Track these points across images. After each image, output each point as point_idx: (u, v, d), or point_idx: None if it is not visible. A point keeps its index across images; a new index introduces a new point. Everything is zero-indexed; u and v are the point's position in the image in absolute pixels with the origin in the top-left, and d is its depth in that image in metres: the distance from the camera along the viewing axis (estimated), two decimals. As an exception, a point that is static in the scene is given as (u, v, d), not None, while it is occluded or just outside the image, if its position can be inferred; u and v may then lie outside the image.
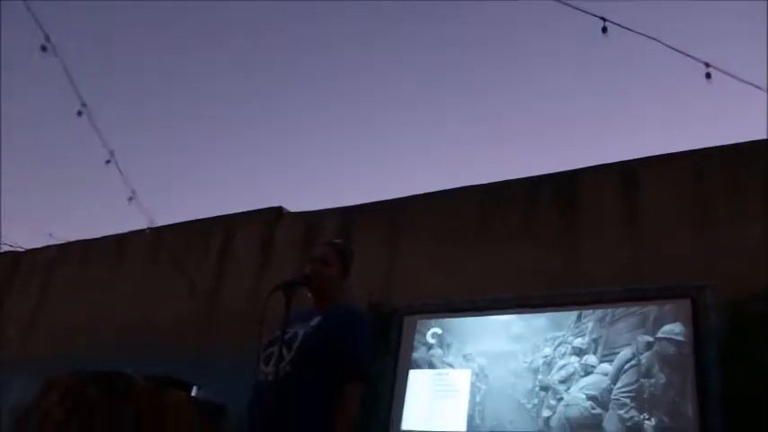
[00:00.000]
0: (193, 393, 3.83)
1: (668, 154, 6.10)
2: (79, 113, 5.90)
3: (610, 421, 5.24)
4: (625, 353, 5.41)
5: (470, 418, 5.83)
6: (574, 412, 5.48)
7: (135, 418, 2.28)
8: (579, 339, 5.72)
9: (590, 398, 5.44)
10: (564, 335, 5.81)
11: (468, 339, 6.14)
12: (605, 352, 5.56)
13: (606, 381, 5.41)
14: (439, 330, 6.24)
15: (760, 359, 4.61)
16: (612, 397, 5.32)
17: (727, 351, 4.76)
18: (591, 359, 5.63)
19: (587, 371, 5.60)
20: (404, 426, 5.89)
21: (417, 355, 6.23)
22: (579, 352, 5.72)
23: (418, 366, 6.16)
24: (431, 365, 6.15)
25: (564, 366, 5.74)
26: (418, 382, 6.08)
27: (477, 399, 5.94)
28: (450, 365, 6.08)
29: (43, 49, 5.41)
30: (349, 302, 2.71)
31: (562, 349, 5.80)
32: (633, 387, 5.21)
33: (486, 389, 5.93)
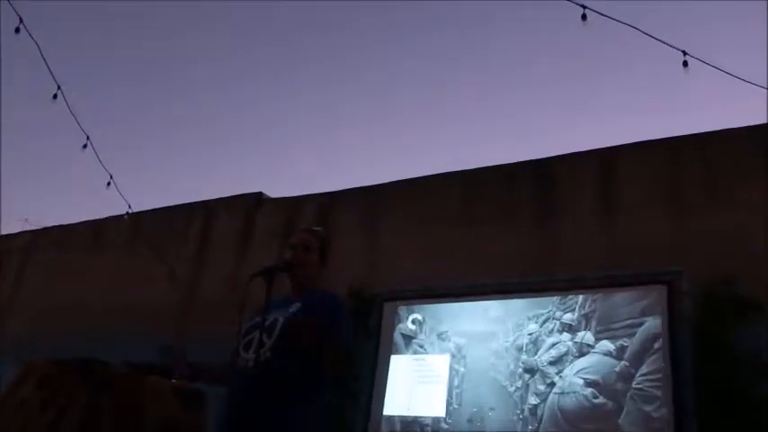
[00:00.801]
0: (173, 380, 3.81)
1: (645, 141, 6.16)
2: (54, 97, 5.79)
3: (628, 418, 4.65)
4: (649, 325, 4.84)
5: (448, 404, 5.60)
6: (569, 402, 4.93)
7: (114, 404, 2.27)
8: (568, 315, 5.32)
9: (590, 384, 4.93)
10: (550, 311, 5.47)
11: (444, 320, 6.08)
12: (600, 328, 5.12)
13: (612, 363, 4.90)
14: (419, 316, 6.25)
15: (732, 342, 4.71)
16: (634, 386, 4.72)
17: (700, 335, 4.85)
18: (587, 337, 5.13)
19: (583, 351, 5.14)
20: (385, 411, 5.91)
21: (398, 340, 6.25)
22: (569, 329, 5.30)
23: (399, 352, 6.19)
24: (411, 351, 6.16)
25: (554, 345, 5.27)
26: (399, 368, 6.11)
27: (455, 382, 5.75)
28: (429, 350, 6.06)
29: (16, 30, 5.30)
30: (326, 288, 2.72)
31: (550, 325, 5.41)
32: (660, 375, 4.66)
33: (465, 371, 5.74)
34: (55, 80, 5.73)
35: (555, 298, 5.52)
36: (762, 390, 4.50)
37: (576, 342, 5.18)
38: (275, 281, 2.53)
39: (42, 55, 5.50)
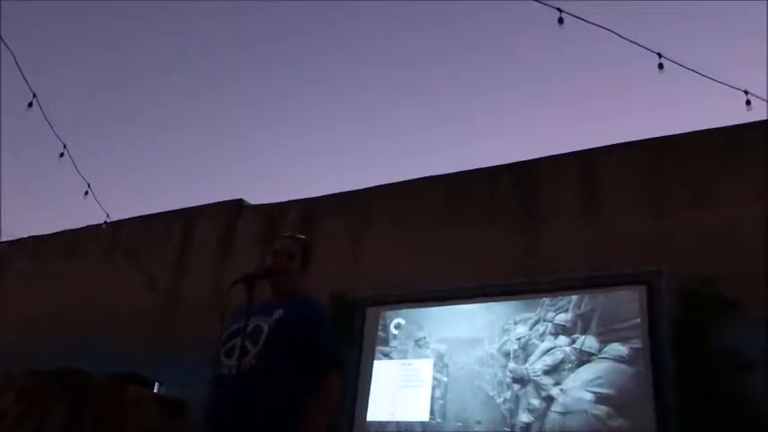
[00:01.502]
0: (155, 390, 3.78)
1: (625, 143, 6.21)
2: (30, 105, 5.71)
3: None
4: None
5: (430, 417, 5.27)
6: (577, 425, 4.33)
7: (93, 415, 2.24)
8: (562, 316, 4.89)
9: (602, 399, 4.36)
10: (539, 313, 5.09)
11: (425, 327, 6.01)
12: (603, 329, 4.67)
13: (626, 370, 4.45)
14: (402, 321, 6.24)
15: (711, 340, 4.76)
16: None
17: (680, 334, 4.90)
18: (588, 341, 4.63)
19: (584, 357, 4.58)
20: (369, 417, 5.89)
21: (381, 345, 6.23)
22: (564, 331, 4.83)
23: (382, 357, 6.17)
24: (394, 356, 6.14)
25: (549, 351, 4.78)
26: (382, 373, 6.09)
27: (437, 393, 5.44)
28: (411, 355, 6.01)
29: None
30: (306, 293, 2.70)
31: (540, 328, 4.98)
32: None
33: (447, 380, 5.46)
34: (30, 88, 5.66)
35: (545, 298, 5.22)
36: (740, 385, 4.56)
37: (575, 348, 4.69)
38: (256, 287, 2.51)
39: (17, 63, 5.43)
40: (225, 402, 2.35)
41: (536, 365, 4.85)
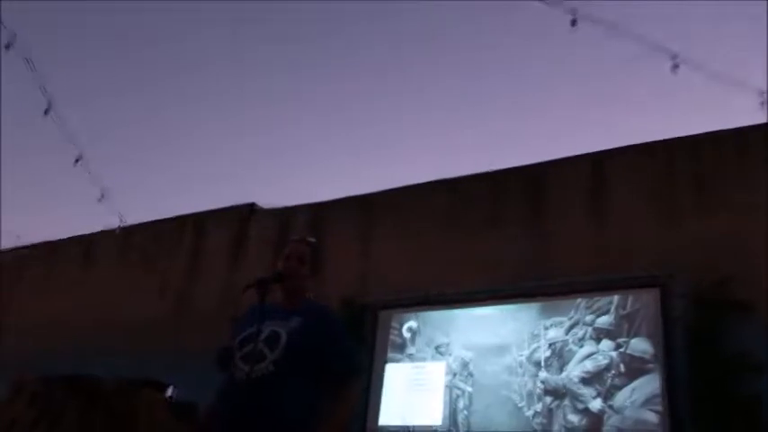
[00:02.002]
0: (168, 393, 3.80)
1: (634, 145, 6.17)
2: (46, 112, 5.77)
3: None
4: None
5: (451, 427, 4.93)
6: None
7: (105, 420, 2.24)
8: (604, 318, 4.32)
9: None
10: (573, 316, 4.58)
11: (446, 331, 5.88)
12: (653, 330, 4.06)
13: None
14: (414, 324, 6.22)
15: (724, 343, 4.72)
16: None
17: (693, 336, 4.86)
18: (641, 346, 3.99)
19: (635, 365, 3.89)
20: (381, 420, 5.87)
21: (393, 348, 6.22)
22: (608, 335, 4.25)
23: (394, 360, 6.16)
24: (407, 359, 6.11)
25: (590, 357, 4.20)
26: (394, 377, 6.07)
27: (460, 404, 5.10)
28: (426, 359, 5.96)
29: (7, 47, 5.29)
30: (316, 299, 2.71)
31: (579, 332, 4.47)
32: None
33: (472, 391, 5.10)
34: (46, 95, 5.71)
35: (579, 300, 4.80)
36: (753, 387, 4.52)
37: (623, 352, 4.06)
38: (268, 292, 2.52)
39: (34, 70, 5.49)
40: (240, 407, 2.34)
41: (573, 372, 4.31)
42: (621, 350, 4.17)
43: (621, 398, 4.04)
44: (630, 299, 4.61)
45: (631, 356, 4.14)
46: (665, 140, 6.04)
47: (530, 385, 4.71)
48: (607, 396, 4.14)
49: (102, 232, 9.09)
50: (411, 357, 6.09)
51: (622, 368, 4.14)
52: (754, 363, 4.56)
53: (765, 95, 4.64)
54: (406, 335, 6.20)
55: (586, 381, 4.20)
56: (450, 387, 5.58)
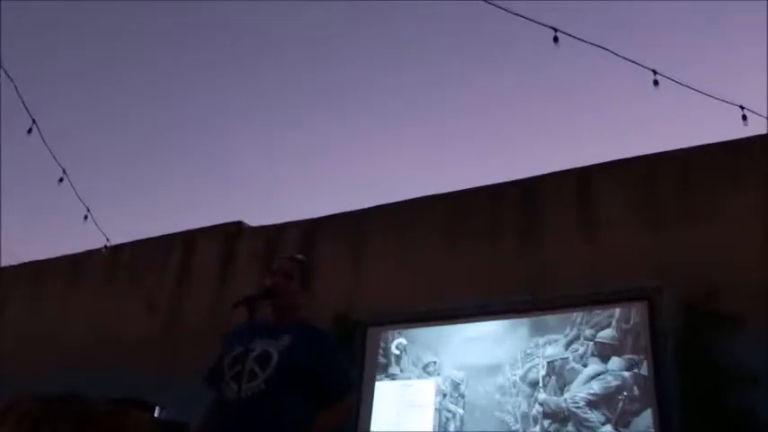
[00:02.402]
0: (156, 414, 3.76)
1: (622, 159, 6.24)
2: (29, 131, 5.75)
3: None
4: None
5: None
6: None
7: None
8: (607, 332, 3.92)
9: None
10: (570, 332, 4.32)
11: (436, 350, 5.85)
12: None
13: None
14: (404, 341, 6.20)
15: (715, 355, 4.74)
16: None
17: (683, 349, 4.88)
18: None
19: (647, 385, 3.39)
20: (371, 438, 5.83)
21: (382, 366, 6.19)
22: (615, 351, 3.80)
23: (383, 378, 6.13)
24: (396, 378, 6.07)
25: (598, 377, 3.79)
26: (384, 395, 6.04)
27: (451, 427, 4.92)
28: (416, 377, 5.91)
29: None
30: (308, 317, 2.71)
31: (579, 348, 4.17)
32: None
33: (464, 413, 4.93)
34: (30, 114, 5.69)
35: (574, 314, 4.66)
36: (745, 401, 4.54)
37: (637, 373, 3.55)
38: (257, 309, 2.52)
39: (17, 89, 5.48)
40: (231, 426, 2.33)
41: (579, 395, 3.97)
42: (636, 371, 3.75)
43: (637, 425, 3.58)
44: (633, 311, 4.38)
45: (646, 377, 3.73)
46: (650, 154, 6.12)
47: (524, 406, 4.52)
48: (619, 422, 3.74)
49: (89, 251, 9.04)
50: (400, 376, 6.05)
51: (636, 391, 3.70)
52: (745, 374, 4.58)
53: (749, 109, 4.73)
54: (396, 352, 6.17)
55: (593, 404, 3.81)
56: (440, 409, 5.53)
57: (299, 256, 2.88)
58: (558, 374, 4.33)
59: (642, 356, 4.11)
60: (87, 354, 7.96)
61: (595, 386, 3.96)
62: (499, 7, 4.22)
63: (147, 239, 9.01)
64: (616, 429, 3.77)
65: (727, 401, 4.54)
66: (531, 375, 4.51)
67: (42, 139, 5.85)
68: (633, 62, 4.46)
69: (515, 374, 4.76)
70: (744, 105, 4.72)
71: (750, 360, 4.61)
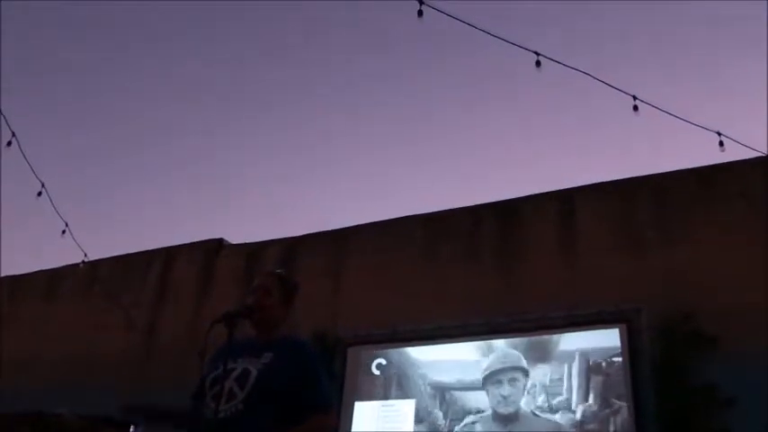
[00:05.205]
0: (131, 432, 3.71)
1: (601, 183, 6.32)
2: (9, 144, 5.69)
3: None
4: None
5: None
6: None
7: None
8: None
9: None
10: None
11: (416, 370, 5.93)
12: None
13: None
14: (383, 361, 6.19)
15: (690, 376, 4.80)
16: None
17: (660, 370, 4.93)
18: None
19: None
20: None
21: (362, 386, 6.16)
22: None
23: (363, 398, 6.10)
24: (375, 397, 6.07)
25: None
26: (364, 414, 6.01)
27: None
28: (395, 398, 5.94)
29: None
30: (292, 333, 2.67)
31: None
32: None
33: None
34: (10, 127, 5.64)
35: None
36: (719, 420, 4.59)
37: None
38: (237, 327, 2.49)
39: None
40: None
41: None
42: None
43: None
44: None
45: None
46: (629, 178, 6.20)
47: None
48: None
49: (67, 267, 8.93)
50: (380, 395, 6.04)
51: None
52: (721, 396, 4.64)
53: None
54: (375, 372, 6.16)
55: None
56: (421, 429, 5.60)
57: (279, 271, 2.85)
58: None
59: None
60: (65, 370, 7.84)
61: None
62: (483, 31, 4.27)
63: (126, 255, 8.92)
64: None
65: (704, 422, 4.59)
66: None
67: (22, 152, 5.79)
68: (614, 87, 4.53)
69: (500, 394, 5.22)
70: (720, 132, 4.81)
71: (726, 381, 4.66)
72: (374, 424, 5.92)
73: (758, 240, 5.19)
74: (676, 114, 4.70)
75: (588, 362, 5.15)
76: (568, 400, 5.11)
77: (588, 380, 5.09)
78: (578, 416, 5.06)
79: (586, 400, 5.03)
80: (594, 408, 4.97)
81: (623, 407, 4.92)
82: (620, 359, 5.10)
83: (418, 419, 5.73)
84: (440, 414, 5.65)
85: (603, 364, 5.11)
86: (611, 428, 4.93)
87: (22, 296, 9.42)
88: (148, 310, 8.11)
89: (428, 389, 5.84)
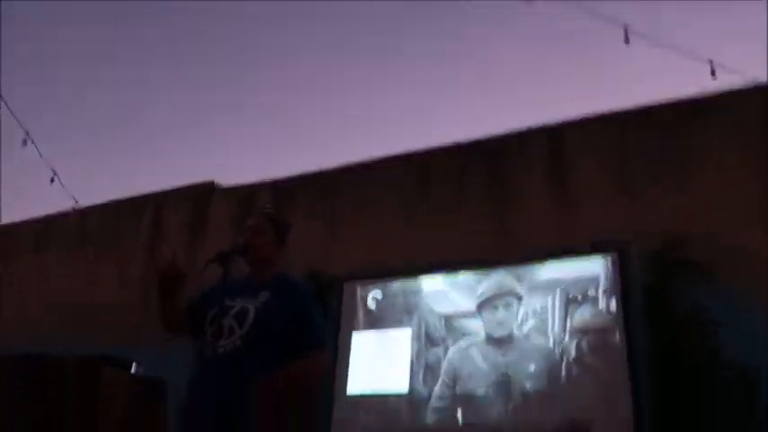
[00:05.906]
0: (133, 371, 3.75)
1: (590, 116, 6.25)
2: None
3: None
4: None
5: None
6: None
7: (71, 396, 2.21)
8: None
9: None
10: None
11: (412, 300, 6.07)
12: None
13: None
14: (379, 294, 6.28)
15: (680, 302, 4.91)
16: None
17: (651, 297, 5.03)
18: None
19: None
20: (349, 390, 5.94)
21: (358, 318, 6.27)
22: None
23: (359, 329, 6.21)
24: (372, 328, 6.18)
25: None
26: (360, 346, 6.13)
27: (428, 373, 5.65)
28: (392, 327, 6.06)
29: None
30: (286, 271, 2.69)
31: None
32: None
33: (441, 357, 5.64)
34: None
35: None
36: (709, 343, 4.71)
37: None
38: (232, 266, 2.51)
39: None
40: (212, 383, 2.34)
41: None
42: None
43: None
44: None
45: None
46: (619, 111, 6.13)
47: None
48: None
49: (57, 215, 8.89)
50: (376, 326, 6.16)
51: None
52: (711, 318, 4.76)
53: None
54: (371, 305, 6.26)
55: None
56: (417, 356, 5.81)
57: (270, 210, 2.86)
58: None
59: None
60: (61, 318, 7.90)
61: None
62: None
63: (117, 202, 8.87)
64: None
65: (694, 344, 4.74)
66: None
67: (5, 103, 5.68)
68: (605, 19, 4.45)
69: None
70: (712, 59, 4.75)
71: (716, 306, 4.76)
72: (371, 352, 6.06)
73: (756, 176, 5.18)
74: (667, 44, 4.64)
75: (568, 295, 5.29)
76: (555, 326, 5.27)
77: (570, 310, 5.24)
78: (567, 339, 5.20)
79: (570, 327, 5.18)
80: (580, 335, 5.12)
81: (615, 332, 5.03)
82: (605, 288, 5.20)
83: (414, 347, 5.86)
84: (436, 340, 5.80)
85: (589, 292, 5.22)
86: (602, 355, 5.06)
87: (12, 247, 9.39)
88: (142, 255, 8.10)
89: (424, 317, 5.94)
